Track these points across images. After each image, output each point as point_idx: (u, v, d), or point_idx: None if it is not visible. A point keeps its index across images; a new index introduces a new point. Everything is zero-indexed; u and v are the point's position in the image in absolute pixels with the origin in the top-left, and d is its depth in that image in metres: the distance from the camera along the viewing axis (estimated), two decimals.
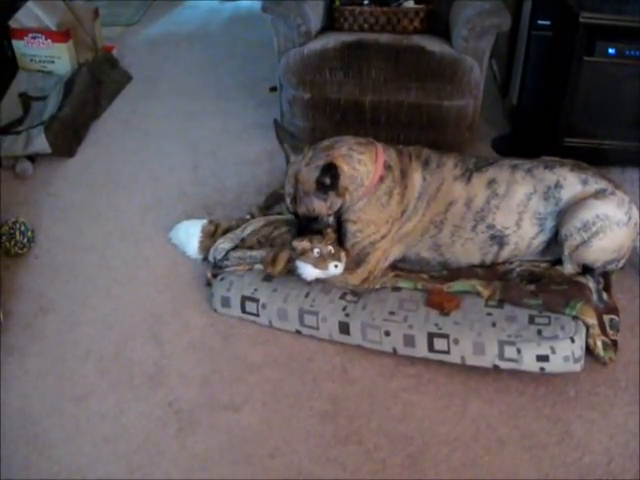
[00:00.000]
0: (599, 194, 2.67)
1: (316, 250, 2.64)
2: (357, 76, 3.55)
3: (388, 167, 2.74)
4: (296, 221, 2.81)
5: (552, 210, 2.72)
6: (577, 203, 2.67)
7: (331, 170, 2.59)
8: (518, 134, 4.00)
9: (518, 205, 2.73)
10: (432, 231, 2.79)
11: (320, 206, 2.69)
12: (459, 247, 2.80)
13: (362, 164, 2.70)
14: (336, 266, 2.64)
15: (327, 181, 2.61)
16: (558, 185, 2.72)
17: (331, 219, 2.75)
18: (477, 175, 2.78)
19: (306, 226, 2.76)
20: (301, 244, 2.66)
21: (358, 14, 3.87)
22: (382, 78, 3.54)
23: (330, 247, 2.66)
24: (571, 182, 2.72)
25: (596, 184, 2.70)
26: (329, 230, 2.72)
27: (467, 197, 2.76)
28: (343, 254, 2.69)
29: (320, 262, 2.65)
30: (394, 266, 2.85)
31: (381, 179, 2.72)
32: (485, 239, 2.77)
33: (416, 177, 2.77)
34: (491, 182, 2.76)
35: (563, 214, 2.69)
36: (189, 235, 3.03)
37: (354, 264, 2.73)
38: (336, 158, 2.65)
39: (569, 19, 3.31)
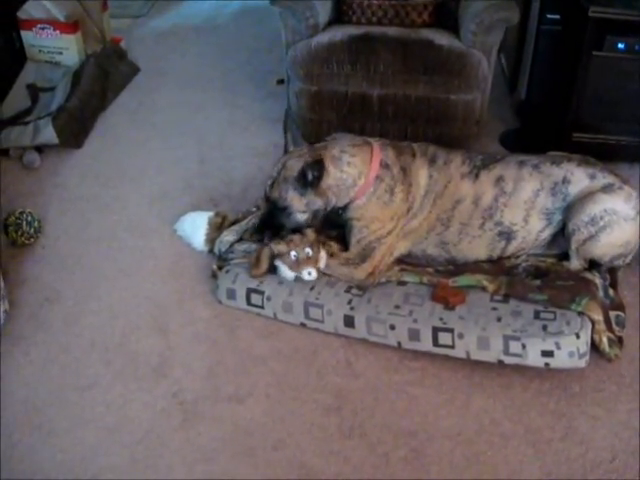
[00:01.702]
0: (607, 188, 2.66)
1: (293, 253, 2.65)
2: (365, 69, 3.54)
3: (385, 166, 2.74)
4: (264, 207, 2.80)
5: (560, 205, 2.72)
6: (585, 197, 2.66)
7: (317, 166, 2.60)
8: (526, 129, 3.99)
9: (526, 202, 2.73)
10: (439, 228, 2.78)
11: (293, 198, 2.67)
12: (466, 244, 2.79)
13: (352, 166, 2.69)
14: (309, 273, 2.65)
15: (309, 176, 2.61)
16: (565, 180, 2.71)
17: (304, 217, 2.73)
18: (485, 172, 2.77)
19: (271, 215, 2.75)
20: (277, 247, 2.67)
21: (366, 7, 3.85)
22: (390, 71, 3.53)
23: (308, 249, 2.66)
24: (578, 177, 2.71)
25: (604, 179, 2.70)
26: (308, 230, 2.71)
27: (475, 195, 2.75)
28: (323, 254, 2.70)
29: (295, 266, 2.66)
30: (400, 260, 2.85)
31: (378, 178, 2.72)
32: (493, 236, 2.76)
33: (422, 174, 2.77)
34: (499, 179, 2.75)
35: (571, 208, 2.68)
36: (195, 227, 3.03)
37: (360, 259, 2.73)
38: (326, 158, 2.65)
39: (578, 13, 3.29)
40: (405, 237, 2.79)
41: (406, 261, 2.85)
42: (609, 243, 2.66)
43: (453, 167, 2.79)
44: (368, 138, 2.85)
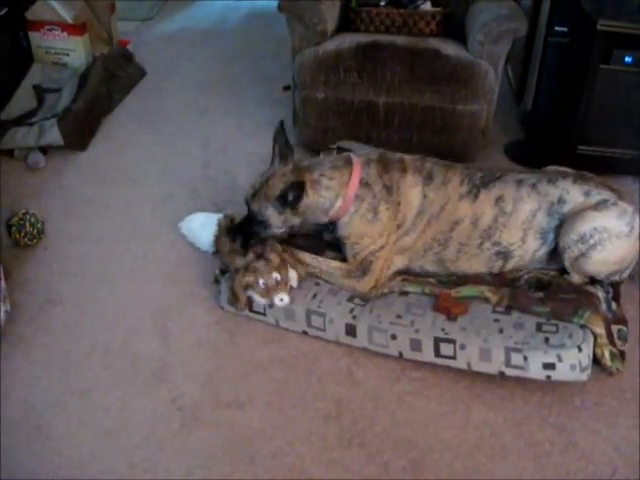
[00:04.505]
0: (600, 205, 2.63)
1: (261, 282, 2.60)
2: (371, 77, 3.55)
3: (365, 185, 2.70)
4: (244, 216, 2.81)
5: (555, 225, 2.68)
6: (575, 215, 2.63)
7: (298, 188, 2.61)
8: (531, 141, 3.99)
9: (524, 222, 2.69)
10: (436, 248, 2.76)
11: (272, 215, 2.68)
12: (464, 262, 2.77)
13: (330, 190, 2.69)
14: (281, 299, 2.61)
15: (290, 197, 2.61)
16: (561, 200, 2.67)
17: (280, 231, 2.75)
18: (484, 192, 2.72)
19: (248, 222, 2.76)
20: (245, 279, 2.62)
21: (374, 15, 3.86)
22: (396, 80, 3.53)
23: (275, 275, 2.61)
24: (573, 196, 2.67)
25: (599, 195, 2.65)
26: (272, 255, 2.65)
27: (474, 216, 2.71)
28: (292, 274, 2.68)
29: (266, 294, 2.62)
30: (401, 271, 2.83)
31: (358, 198, 2.70)
32: (491, 255, 2.74)
33: (414, 193, 2.72)
34: (498, 199, 2.71)
35: (562, 226, 2.66)
36: (204, 227, 3.02)
37: (360, 272, 2.72)
38: (307, 181, 2.66)
39: (586, 26, 3.30)
40: (401, 253, 2.78)
41: (408, 272, 2.84)
42: (602, 260, 2.62)
43: (451, 187, 2.73)
44: (353, 155, 2.80)
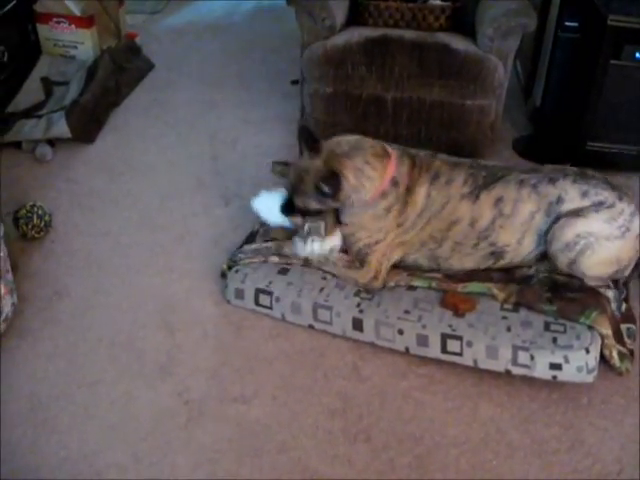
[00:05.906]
0: (588, 209, 2.56)
1: (307, 225, 2.69)
2: (380, 72, 3.53)
3: (394, 184, 2.68)
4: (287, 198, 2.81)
5: (551, 225, 2.64)
6: (559, 223, 2.59)
7: (333, 180, 2.58)
8: (540, 136, 3.97)
9: (522, 224, 2.66)
10: (431, 245, 2.74)
11: (315, 205, 2.70)
12: (456, 260, 2.76)
13: (370, 181, 2.65)
14: (313, 240, 2.69)
15: (325, 189, 2.59)
16: (560, 200, 2.62)
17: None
18: (485, 193, 2.68)
19: (292, 205, 2.78)
20: (294, 219, 2.76)
21: (383, 9, 3.84)
22: (405, 75, 3.51)
23: (322, 223, 2.70)
24: (572, 196, 2.61)
25: (596, 196, 2.59)
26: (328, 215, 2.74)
27: (472, 217, 2.68)
28: (337, 234, 2.74)
29: (306, 236, 2.70)
30: (405, 266, 2.82)
31: (383, 194, 2.67)
32: (484, 255, 2.72)
33: (420, 192, 2.69)
34: (498, 201, 2.66)
35: (548, 234, 2.62)
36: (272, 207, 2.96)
37: (359, 262, 2.73)
38: (347, 169, 2.62)
39: (597, 21, 3.28)
40: (397, 247, 2.76)
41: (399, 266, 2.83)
42: (594, 263, 2.58)
43: (454, 187, 2.70)
44: (386, 145, 2.76)
